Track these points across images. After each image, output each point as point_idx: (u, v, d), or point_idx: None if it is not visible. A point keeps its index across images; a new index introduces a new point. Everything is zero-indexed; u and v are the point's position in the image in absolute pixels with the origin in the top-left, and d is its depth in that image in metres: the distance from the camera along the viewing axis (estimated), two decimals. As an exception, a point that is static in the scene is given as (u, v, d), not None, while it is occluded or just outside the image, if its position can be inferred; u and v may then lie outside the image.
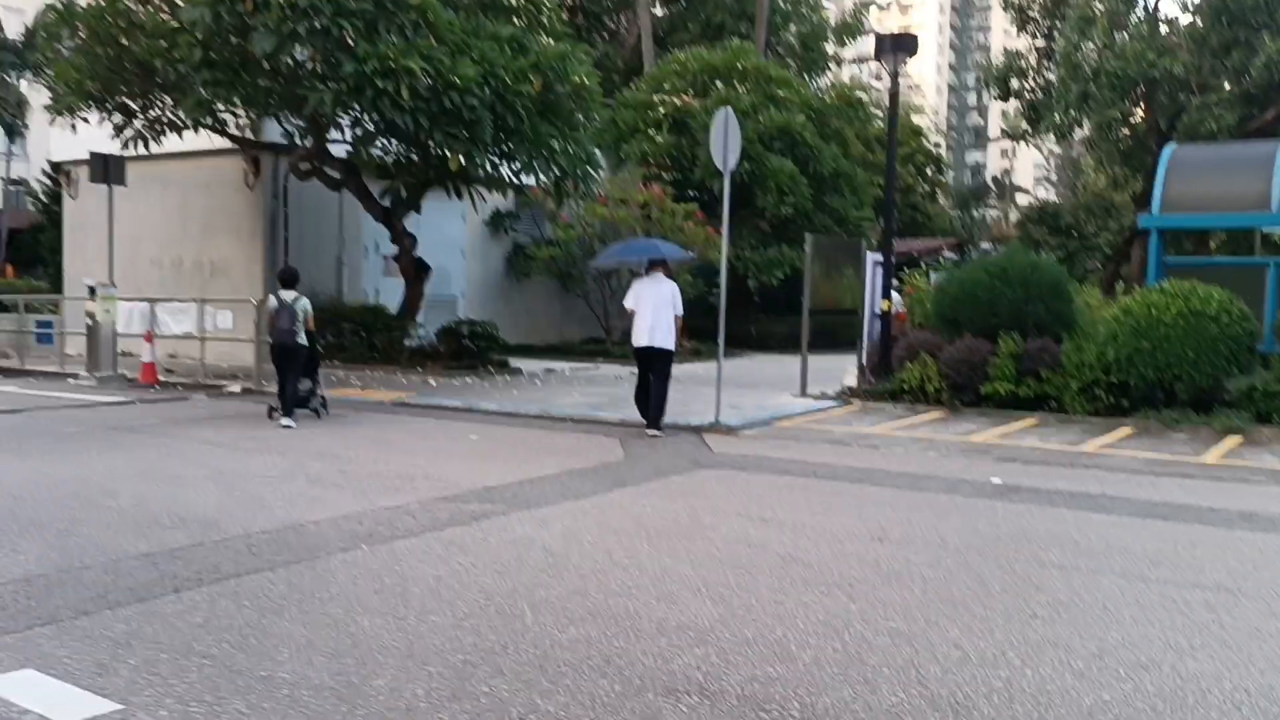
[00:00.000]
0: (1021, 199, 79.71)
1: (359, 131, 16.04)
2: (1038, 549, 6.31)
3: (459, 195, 17.00)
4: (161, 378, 16.00)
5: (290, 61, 13.39)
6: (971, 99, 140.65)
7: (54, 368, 17.52)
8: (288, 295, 11.84)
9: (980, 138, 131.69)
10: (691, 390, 15.07)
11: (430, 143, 14.59)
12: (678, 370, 18.81)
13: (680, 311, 11.45)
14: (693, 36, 34.78)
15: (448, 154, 14.27)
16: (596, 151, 18.96)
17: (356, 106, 13.92)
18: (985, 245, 41.62)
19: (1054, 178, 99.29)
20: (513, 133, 15.00)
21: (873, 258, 15.99)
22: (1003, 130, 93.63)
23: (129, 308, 16.59)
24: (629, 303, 11.46)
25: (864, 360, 15.58)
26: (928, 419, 12.55)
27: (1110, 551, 6.28)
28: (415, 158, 16.01)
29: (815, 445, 10.54)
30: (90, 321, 15.98)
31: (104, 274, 20.77)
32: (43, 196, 38.88)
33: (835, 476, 8.77)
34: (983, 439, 11.01)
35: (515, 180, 17.29)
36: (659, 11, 37.17)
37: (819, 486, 8.33)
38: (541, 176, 16.89)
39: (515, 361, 19.67)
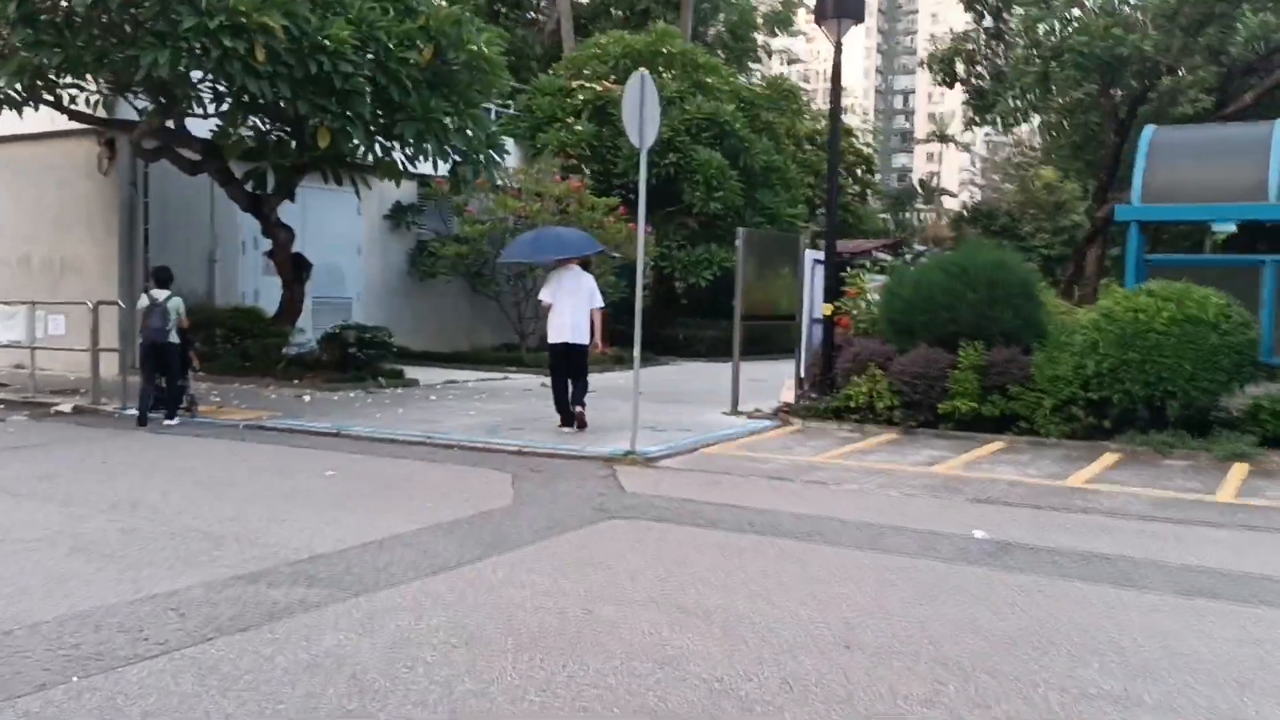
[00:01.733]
0: (948, 202, 79.34)
1: (222, 107, 13.81)
2: (1071, 662, 4.43)
3: (337, 180, 14.81)
4: (-15, 394, 13.59)
5: (118, 16, 11.12)
6: (898, 102, 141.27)
7: None
8: (159, 294, 11.81)
9: (906, 141, 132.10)
10: (607, 404, 13.09)
11: (298, 116, 12.40)
12: (596, 381, 16.84)
13: (600, 304, 11.26)
14: (615, 23, 32.83)
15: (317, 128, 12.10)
16: (503, 137, 16.92)
17: (210, 73, 11.67)
18: (920, 247, 40.38)
19: (980, 180, 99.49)
20: (398, 108, 12.88)
21: (812, 255, 14.18)
22: (931, 133, 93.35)
23: (-50, 311, 14.12)
24: (545, 296, 11.03)
25: (803, 372, 13.75)
26: (879, 443, 10.72)
27: (1175, 665, 4.43)
28: (287, 135, 13.79)
29: (750, 481, 8.61)
30: (-103, 328, 13.50)
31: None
32: None
33: (778, 530, 6.85)
34: (948, 470, 9.19)
35: (408, 165, 15.15)
36: (582, -2, 35.18)
37: (758, 547, 6.39)
38: (437, 161, 14.78)
39: (414, 372, 17.51)
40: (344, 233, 20.17)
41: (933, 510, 7.58)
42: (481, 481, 8.46)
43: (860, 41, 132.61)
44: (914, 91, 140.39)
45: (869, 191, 51.27)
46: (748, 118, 25.04)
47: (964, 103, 23.78)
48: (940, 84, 23.35)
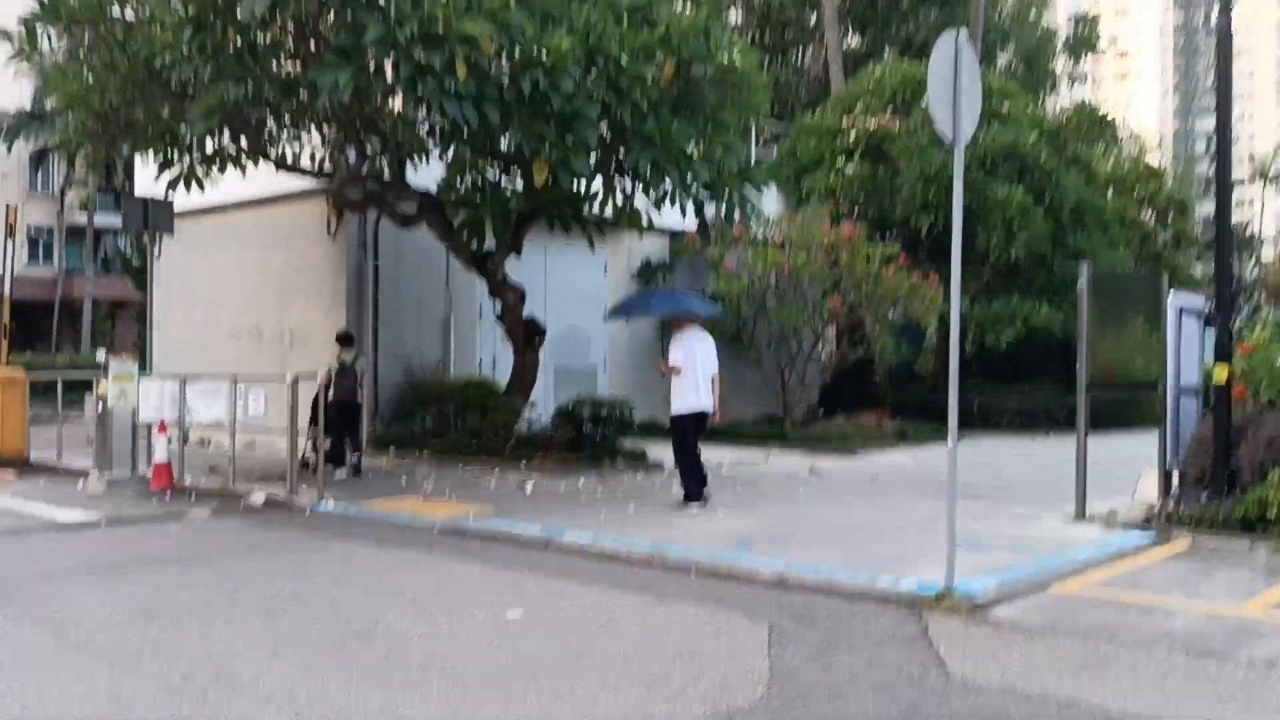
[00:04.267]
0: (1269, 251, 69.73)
1: (447, 156, 12.03)
2: None
3: (565, 228, 12.64)
4: (189, 480, 12.20)
5: (300, 35, 9.41)
6: (1200, 146, 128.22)
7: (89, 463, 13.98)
8: (347, 356, 12.45)
9: (1209, 187, 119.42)
10: (895, 502, 10.05)
11: (513, 150, 10.29)
12: (873, 463, 13.86)
13: (718, 369, 10.34)
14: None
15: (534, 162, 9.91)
16: (762, 174, 14.32)
17: (403, 96, 9.75)
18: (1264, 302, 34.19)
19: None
20: (630, 135, 10.51)
21: (1177, 302, 10.58)
22: (1253, 173, 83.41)
23: (160, 388, 12.93)
24: (677, 358, 10.02)
25: (1171, 459, 10.09)
26: (1332, 577, 7.03)
27: None
28: (504, 174, 11.77)
29: (1159, 659, 5.31)
30: (100, 407, 12.38)
31: (182, 348, 17.62)
32: (135, 260, 35.39)
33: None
34: None
35: (651, 214, 12.83)
36: (852, 41, 32.21)
37: None
38: (684, 207, 12.38)
39: (661, 451, 15.03)
40: (589, 294, 18.15)
41: None
42: (720, 641, 5.64)
43: (1155, 83, 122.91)
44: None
45: (1182, 239, 45.23)
46: (1052, 149, 21.25)
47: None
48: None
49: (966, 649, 5.44)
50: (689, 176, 10.94)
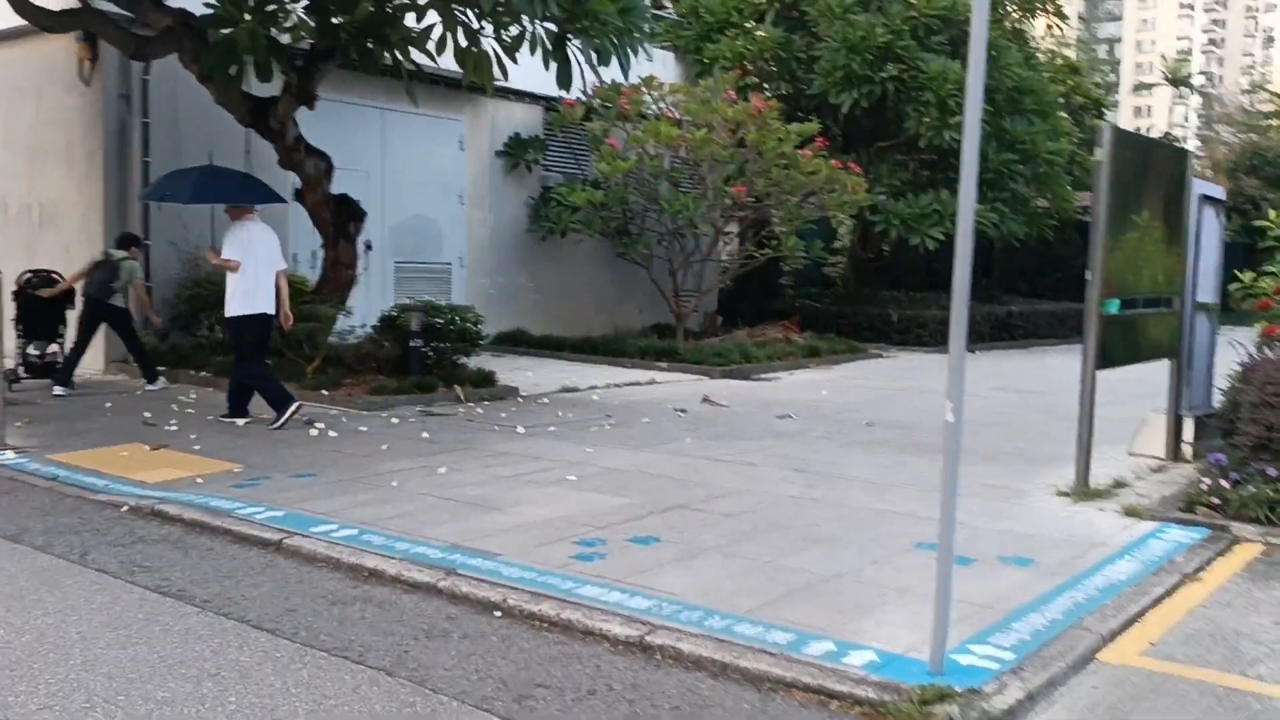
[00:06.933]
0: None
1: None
2: None
3: (367, 69, 9.26)
4: None
5: None
6: (1103, 52, 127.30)
7: None
8: (116, 253, 10.30)
9: (1110, 92, 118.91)
10: (813, 455, 7.21)
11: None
12: (779, 394, 11.03)
13: (284, 266, 9.00)
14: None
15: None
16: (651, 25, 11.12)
17: None
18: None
19: (1207, 132, 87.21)
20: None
21: (1200, 189, 7.86)
22: (1165, 75, 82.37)
23: None
24: (234, 252, 8.56)
25: (1189, 404, 7.47)
26: None
27: None
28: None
29: None
30: None
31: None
32: None
33: None
34: None
35: (503, 60, 9.55)
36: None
37: None
38: (546, 55, 9.19)
39: (520, 370, 12.05)
40: (442, 174, 14.80)
41: None
42: None
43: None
44: (1119, 40, 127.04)
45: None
46: (993, 18, 18.35)
47: None
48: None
49: None
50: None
